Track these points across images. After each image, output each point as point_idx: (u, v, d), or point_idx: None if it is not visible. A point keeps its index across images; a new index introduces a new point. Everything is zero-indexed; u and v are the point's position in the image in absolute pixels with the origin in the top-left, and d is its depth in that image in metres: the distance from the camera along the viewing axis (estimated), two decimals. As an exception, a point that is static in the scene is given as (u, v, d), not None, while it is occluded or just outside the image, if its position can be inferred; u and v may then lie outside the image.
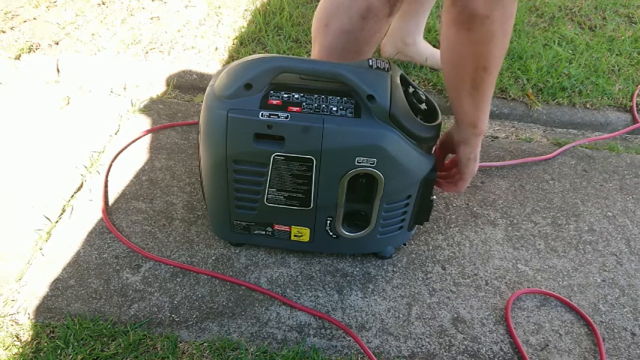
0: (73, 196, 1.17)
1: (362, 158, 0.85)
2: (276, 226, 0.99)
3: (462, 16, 0.74)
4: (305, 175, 0.89)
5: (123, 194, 1.17)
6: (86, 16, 1.68)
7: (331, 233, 0.98)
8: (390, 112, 0.83)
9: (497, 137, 1.44)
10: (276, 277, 1.03)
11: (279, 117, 0.83)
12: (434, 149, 0.91)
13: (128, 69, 1.49)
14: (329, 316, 0.97)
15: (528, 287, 1.04)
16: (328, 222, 0.96)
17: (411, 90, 0.89)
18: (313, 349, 0.91)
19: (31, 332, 0.91)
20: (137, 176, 1.22)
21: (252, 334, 0.93)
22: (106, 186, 1.18)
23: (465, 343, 0.94)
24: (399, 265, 1.07)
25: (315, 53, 1.09)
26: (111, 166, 1.23)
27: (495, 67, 0.80)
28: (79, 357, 0.87)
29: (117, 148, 1.28)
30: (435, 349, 0.93)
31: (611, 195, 1.26)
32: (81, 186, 1.19)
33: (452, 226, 1.16)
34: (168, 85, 1.50)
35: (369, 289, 1.02)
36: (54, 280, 1.00)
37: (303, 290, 1.01)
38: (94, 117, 1.38)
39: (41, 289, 0.98)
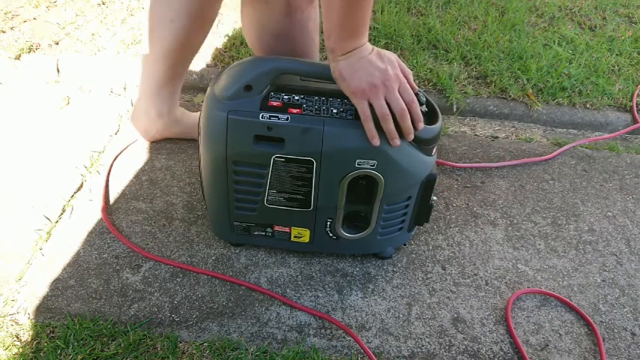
0: (73, 196, 1.17)
1: (362, 160, 0.85)
2: (276, 227, 0.99)
3: None
4: (305, 176, 0.89)
5: (123, 194, 1.17)
6: (86, 16, 1.68)
7: (331, 234, 0.98)
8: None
9: (497, 137, 1.44)
10: (276, 277, 1.03)
11: (279, 119, 0.83)
12: (434, 151, 0.91)
13: (128, 69, 1.49)
14: (329, 316, 0.97)
15: (528, 287, 1.04)
16: (328, 223, 0.96)
17: (411, 91, 0.89)
18: (313, 349, 0.91)
19: (31, 332, 0.91)
20: (137, 176, 1.22)
21: (252, 334, 0.93)
22: (106, 186, 1.18)
23: (465, 343, 0.94)
24: (399, 265, 1.07)
25: None
26: (111, 166, 1.23)
27: None
28: (79, 357, 0.87)
29: (117, 148, 1.28)
30: (435, 349, 0.93)
31: (611, 195, 1.26)
32: (81, 186, 1.19)
33: (452, 226, 1.16)
34: (168, 85, 1.50)
35: (369, 289, 1.02)
36: (54, 280, 1.00)
37: (303, 290, 1.01)
38: (94, 117, 1.38)
39: (41, 289, 0.98)
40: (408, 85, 0.83)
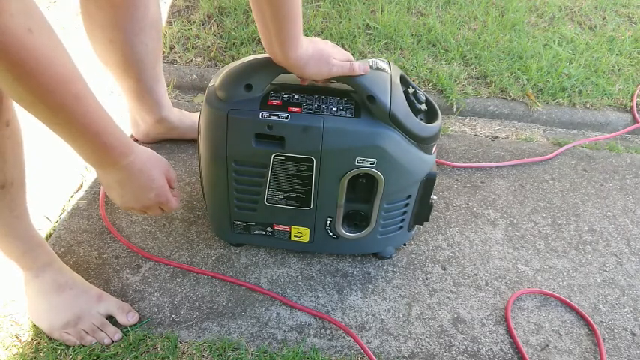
0: (73, 196, 1.17)
1: (362, 158, 0.85)
2: (276, 226, 0.99)
3: None
4: (305, 175, 0.89)
5: (123, 194, 1.17)
6: (86, 16, 1.68)
7: (331, 233, 0.98)
8: (390, 113, 0.83)
9: (497, 137, 1.44)
10: (276, 277, 1.03)
11: (279, 117, 0.83)
12: (434, 150, 0.91)
13: (128, 69, 1.49)
14: (329, 316, 0.97)
15: (528, 287, 1.04)
16: (328, 222, 0.96)
17: (411, 90, 0.89)
18: (313, 349, 0.91)
19: (31, 332, 0.91)
20: (137, 176, 1.22)
21: (252, 334, 0.93)
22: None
23: (465, 343, 0.94)
24: (399, 265, 1.07)
25: None
26: (111, 166, 1.23)
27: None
28: (79, 357, 0.87)
29: (117, 148, 1.28)
30: (435, 349, 0.93)
31: (611, 195, 1.26)
32: (81, 186, 1.19)
33: (452, 226, 1.16)
34: (168, 85, 1.50)
35: (369, 289, 1.02)
36: (54, 280, 0.99)
37: (303, 290, 1.01)
38: (94, 117, 1.38)
39: (41, 289, 0.98)
40: (171, 201, 0.84)
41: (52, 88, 0.59)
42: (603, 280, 1.07)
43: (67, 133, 0.67)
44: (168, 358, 0.88)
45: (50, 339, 0.90)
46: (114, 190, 0.78)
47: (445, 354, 0.92)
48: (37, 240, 0.92)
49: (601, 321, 0.99)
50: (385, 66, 0.87)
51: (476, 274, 1.06)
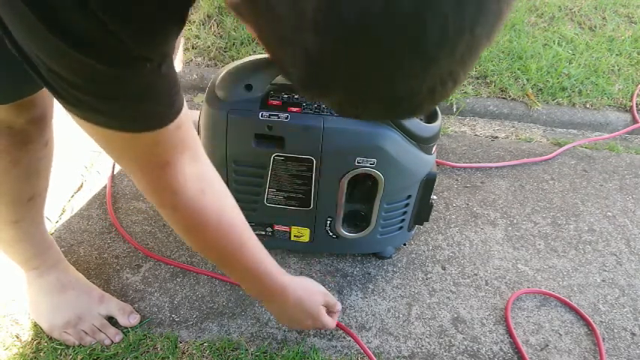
0: (73, 196, 1.17)
1: (362, 158, 0.85)
2: (276, 227, 0.99)
3: None
4: (305, 175, 0.89)
5: (123, 194, 1.17)
6: (86, 16, 1.68)
7: (331, 233, 0.98)
8: (390, 113, 0.82)
9: (497, 137, 1.44)
10: (276, 277, 1.03)
11: (279, 117, 0.83)
12: (434, 150, 0.91)
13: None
14: (329, 316, 0.97)
15: (528, 287, 1.04)
16: (328, 222, 0.96)
17: (411, 90, 0.88)
18: (313, 349, 0.91)
19: (31, 332, 0.91)
20: (137, 176, 1.22)
21: (252, 334, 0.93)
22: (111, 186, 1.18)
23: (465, 343, 0.94)
24: (399, 265, 1.07)
25: None
26: (114, 166, 1.23)
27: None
28: (79, 357, 0.87)
29: (117, 148, 1.28)
30: (435, 349, 0.93)
31: (611, 195, 1.26)
32: (81, 186, 1.19)
33: (452, 226, 1.16)
34: (168, 85, 1.50)
35: (369, 289, 1.02)
36: (54, 280, 0.99)
37: (303, 290, 1.01)
38: (94, 117, 1.38)
39: (41, 289, 0.98)
40: (326, 325, 0.86)
41: (216, 239, 0.67)
42: (603, 280, 1.07)
43: (229, 272, 0.79)
44: (168, 358, 0.88)
45: (50, 339, 0.90)
46: (276, 314, 0.86)
47: (445, 354, 0.92)
48: (48, 242, 0.92)
49: (601, 321, 0.99)
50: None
51: (476, 274, 1.06)
